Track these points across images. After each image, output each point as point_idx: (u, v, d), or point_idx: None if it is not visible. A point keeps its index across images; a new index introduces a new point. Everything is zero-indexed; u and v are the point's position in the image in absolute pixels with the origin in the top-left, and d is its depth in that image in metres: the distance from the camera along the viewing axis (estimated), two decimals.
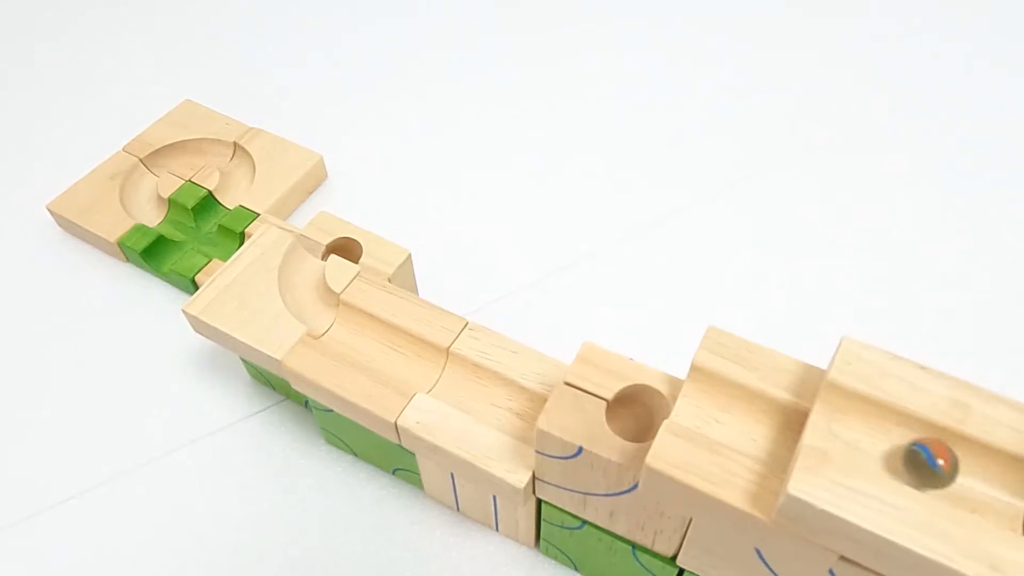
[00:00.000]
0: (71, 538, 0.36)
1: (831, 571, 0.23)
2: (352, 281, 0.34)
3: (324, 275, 0.34)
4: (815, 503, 0.20)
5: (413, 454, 0.33)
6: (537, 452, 0.27)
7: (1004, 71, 0.56)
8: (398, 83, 0.56)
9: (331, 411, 0.33)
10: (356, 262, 0.36)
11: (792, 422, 0.24)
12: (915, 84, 0.55)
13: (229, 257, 0.40)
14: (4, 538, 0.36)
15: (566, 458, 0.26)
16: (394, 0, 0.63)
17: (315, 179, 0.49)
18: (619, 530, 0.29)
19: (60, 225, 0.47)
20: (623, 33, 0.60)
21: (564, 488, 0.28)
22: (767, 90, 0.55)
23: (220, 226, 0.45)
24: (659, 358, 0.30)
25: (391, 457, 0.35)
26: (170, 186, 0.46)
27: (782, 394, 0.24)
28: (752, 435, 0.24)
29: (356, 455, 0.38)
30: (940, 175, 0.49)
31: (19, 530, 0.36)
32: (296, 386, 0.33)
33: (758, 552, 0.25)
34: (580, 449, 0.26)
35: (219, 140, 0.49)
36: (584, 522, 0.30)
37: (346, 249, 0.37)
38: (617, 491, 0.27)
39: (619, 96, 0.55)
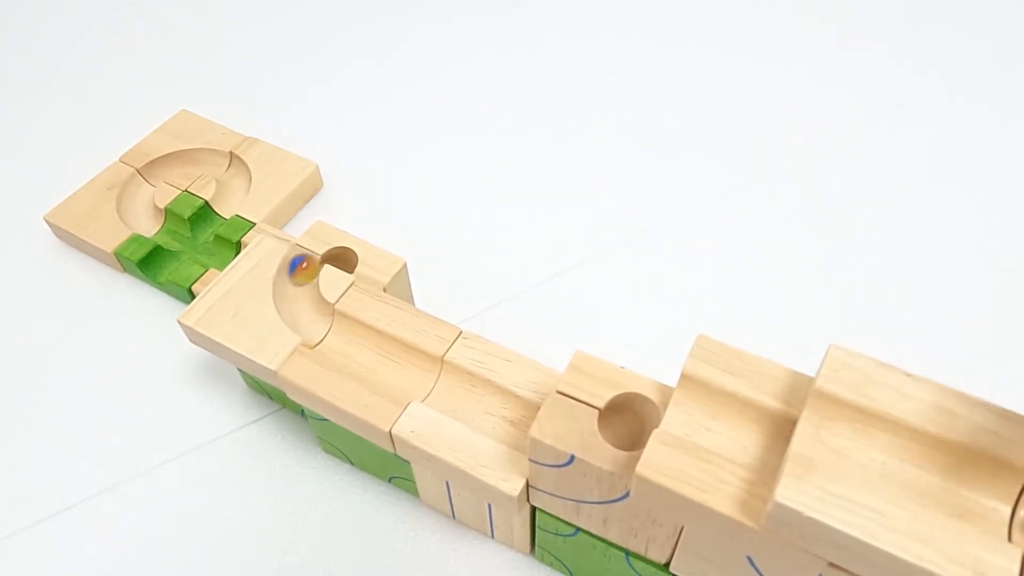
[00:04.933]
0: (70, 548, 0.36)
1: None
2: (347, 291, 0.34)
3: (319, 285, 0.34)
4: (802, 510, 0.20)
5: (408, 462, 0.34)
6: (531, 460, 0.28)
7: (990, 82, 0.56)
8: (393, 93, 0.57)
9: (327, 420, 0.34)
10: (352, 271, 0.37)
11: (781, 429, 0.24)
12: (906, 95, 0.55)
13: (225, 267, 0.40)
14: (4, 546, 0.36)
15: (559, 466, 0.27)
16: (389, 10, 0.63)
17: (311, 188, 0.49)
18: (612, 537, 0.30)
19: (57, 236, 0.47)
20: (615, 45, 0.60)
21: (558, 496, 0.29)
22: (758, 101, 0.55)
23: (216, 236, 0.45)
24: (650, 366, 0.30)
25: (387, 465, 0.36)
26: (166, 196, 0.46)
27: (771, 402, 0.24)
28: (742, 443, 0.24)
29: (352, 463, 0.38)
30: (930, 185, 0.50)
31: (18, 540, 0.36)
32: (291, 396, 0.33)
33: (749, 559, 0.25)
34: (572, 457, 0.26)
35: (215, 150, 0.50)
36: (578, 529, 0.30)
37: (342, 258, 0.38)
38: (610, 499, 0.27)
39: (611, 106, 0.55)
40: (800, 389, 0.24)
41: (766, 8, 0.62)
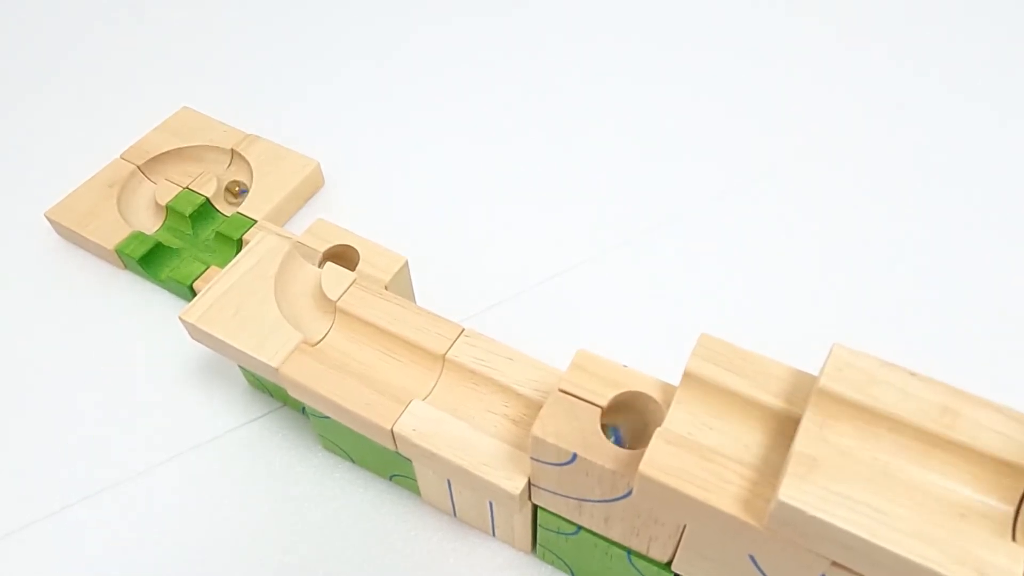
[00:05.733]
0: (71, 545, 0.36)
1: None
2: (348, 288, 0.34)
3: (320, 282, 0.34)
4: (806, 509, 0.20)
5: (410, 460, 0.33)
6: (532, 459, 0.28)
7: (990, 82, 0.56)
8: (395, 91, 0.56)
9: (328, 418, 0.34)
10: (353, 269, 0.37)
11: (784, 428, 0.24)
12: (906, 95, 0.55)
13: (226, 264, 0.40)
14: (4, 546, 0.36)
15: (561, 465, 0.27)
16: (390, 8, 0.63)
17: (312, 186, 0.49)
18: (614, 536, 0.29)
19: (58, 233, 0.47)
20: (615, 45, 0.60)
21: (559, 494, 0.29)
22: (758, 101, 0.55)
23: (217, 233, 0.45)
24: (652, 365, 0.30)
25: (388, 463, 0.36)
26: (167, 193, 0.46)
27: (774, 401, 0.24)
28: (745, 442, 0.24)
29: (353, 461, 0.38)
30: (931, 184, 0.50)
31: (18, 539, 0.36)
32: (292, 394, 0.33)
33: (752, 558, 0.25)
34: (574, 456, 0.26)
35: (217, 147, 0.49)
36: (580, 528, 0.30)
37: (343, 256, 0.38)
38: (612, 497, 0.27)
39: (612, 106, 0.55)
40: (803, 388, 0.24)
41: (766, 8, 0.62)
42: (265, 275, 0.35)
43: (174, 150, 0.49)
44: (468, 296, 0.44)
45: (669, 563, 0.29)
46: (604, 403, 0.26)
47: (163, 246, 0.45)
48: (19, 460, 0.39)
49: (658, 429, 0.24)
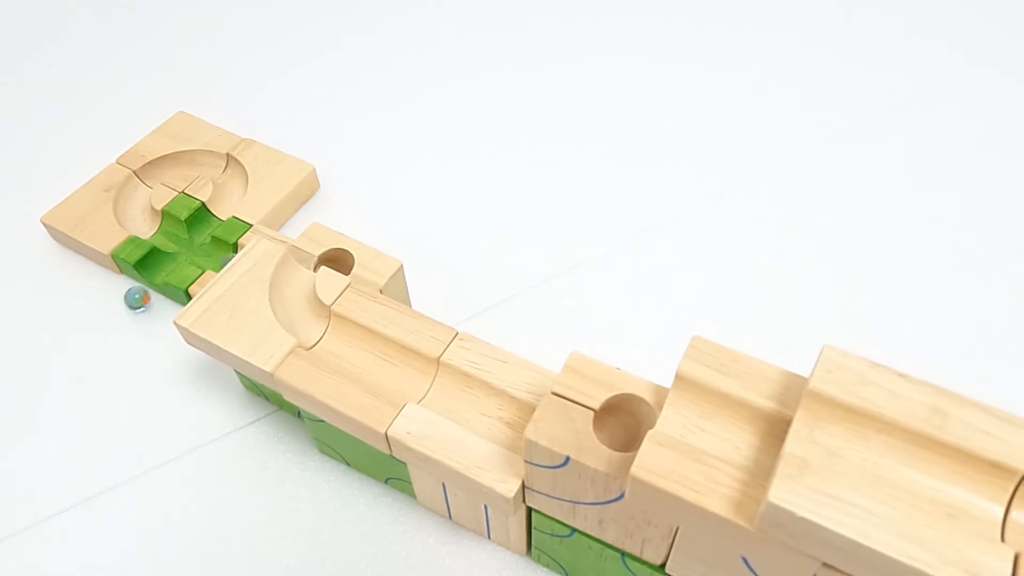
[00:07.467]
0: (68, 549, 0.36)
1: None
2: (343, 292, 0.34)
3: (315, 287, 0.34)
4: (795, 511, 0.21)
5: (405, 464, 0.34)
6: (526, 461, 0.28)
7: (985, 85, 0.56)
8: (390, 94, 0.57)
9: (323, 422, 0.34)
10: (348, 273, 0.37)
11: (775, 430, 0.24)
12: (899, 97, 0.55)
13: (222, 268, 0.40)
14: (4, 547, 0.36)
15: (554, 468, 0.27)
16: (386, 11, 0.63)
17: (308, 190, 0.49)
18: (608, 538, 0.30)
19: (54, 238, 0.47)
20: (609, 49, 0.60)
21: (553, 497, 0.29)
22: (753, 104, 0.55)
23: (213, 237, 0.45)
24: (645, 367, 0.30)
25: (383, 467, 0.36)
26: (163, 198, 0.46)
27: (765, 402, 0.24)
28: (736, 443, 0.24)
29: (349, 465, 0.38)
30: (923, 186, 0.50)
31: (16, 541, 0.36)
32: (287, 397, 0.33)
33: (744, 559, 0.25)
34: (567, 459, 0.26)
35: (212, 151, 0.50)
36: (574, 530, 0.30)
37: (338, 260, 0.38)
38: (605, 500, 0.27)
39: (608, 109, 0.55)
40: (794, 390, 0.24)
41: (759, 12, 0.62)
42: (260, 279, 0.35)
43: (170, 154, 0.49)
44: (463, 299, 0.44)
45: (663, 565, 0.29)
46: (597, 406, 0.26)
47: (159, 250, 0.45)
48: (17, 463, 0.39)
49: (650, 431, 0.24)
